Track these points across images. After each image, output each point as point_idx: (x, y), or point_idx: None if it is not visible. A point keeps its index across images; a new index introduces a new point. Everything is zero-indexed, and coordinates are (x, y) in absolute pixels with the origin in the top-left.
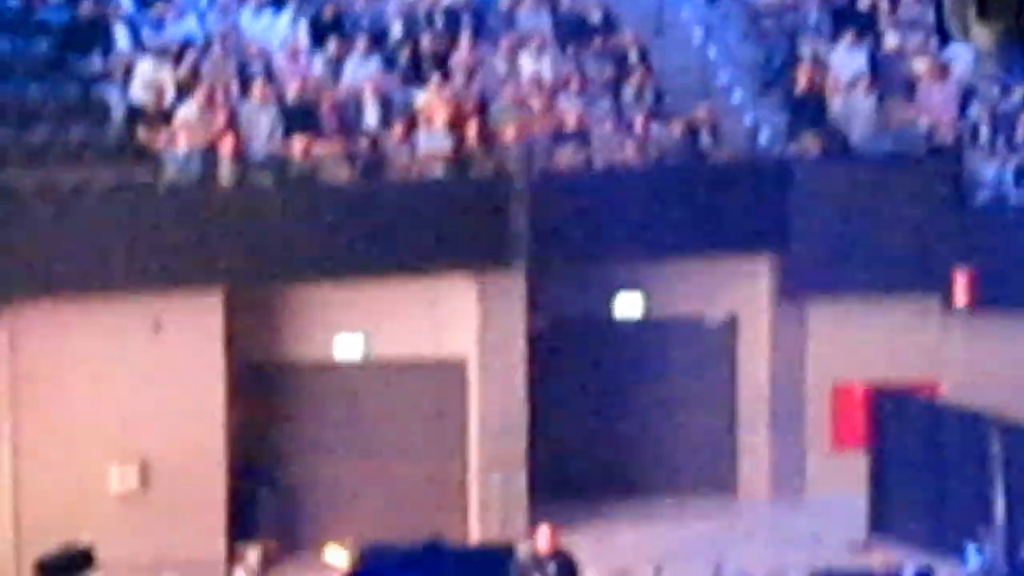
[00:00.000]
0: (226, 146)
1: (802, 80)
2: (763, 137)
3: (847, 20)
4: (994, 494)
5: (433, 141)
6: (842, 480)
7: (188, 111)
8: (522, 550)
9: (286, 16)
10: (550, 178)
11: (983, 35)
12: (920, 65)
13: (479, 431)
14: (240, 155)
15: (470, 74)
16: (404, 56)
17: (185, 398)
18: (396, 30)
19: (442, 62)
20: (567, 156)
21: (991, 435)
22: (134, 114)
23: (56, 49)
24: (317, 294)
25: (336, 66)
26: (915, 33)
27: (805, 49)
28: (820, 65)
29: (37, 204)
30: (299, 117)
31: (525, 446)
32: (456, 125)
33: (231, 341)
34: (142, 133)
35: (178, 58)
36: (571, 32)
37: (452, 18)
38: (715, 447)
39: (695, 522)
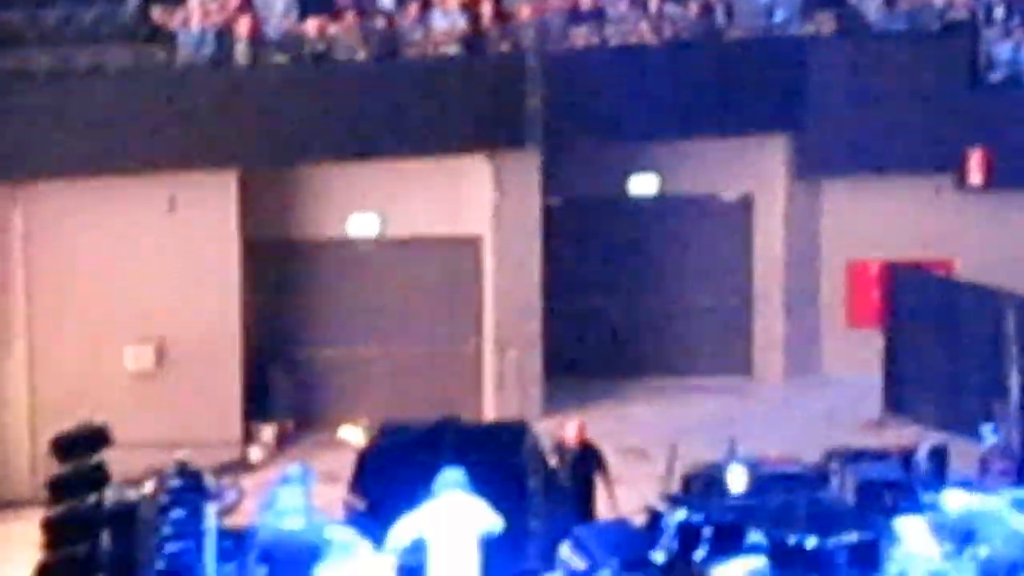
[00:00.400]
0: (241, 26)
1: None
2: (778, 16)
3: None
4: (1009, 372)
5: (448, 20)
6: (857, 359)
7: None
8: (538, 429)
9: None
10: (565, 57)
11: None
12: None
13: (494, 309)
14: (255, 35)
15: None
16: None
17: (200, 278)
18: None
19: None
20: (582, 35)
21: (1006, 312)
22: None
23: None
24: (332, 174)
25: None
26: None
27: None
28: None
29: (51, 85)
30: None
31: (540, 324)
32: (471, 4)
33: (245, 221)
34: (157, 13)
35: None
36: None
37: None
38: (730, 326)
39: (709, 401)
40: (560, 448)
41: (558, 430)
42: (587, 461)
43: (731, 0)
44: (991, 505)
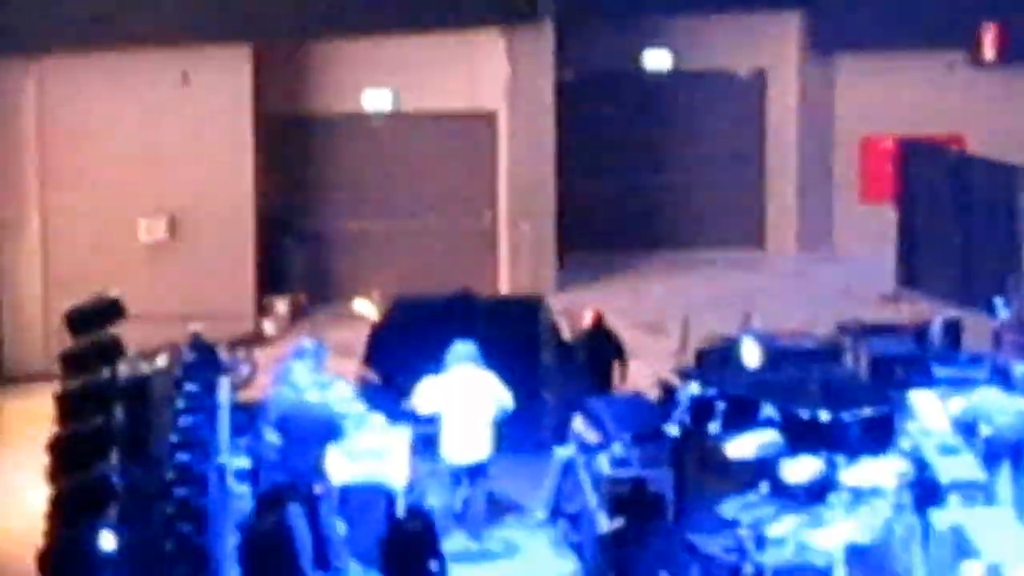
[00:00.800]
0: None
1: None
2: None
3: None
4: (1021, 246)
5: None
6: (870, 234)
7: None
8: (552, 303)
9: None
10: None
11: None
12: None
13: (508, 183)
14: None
15: None
16: None
17: (214, 151)
18: None
19: None
20: None
21: (1018, 187)
22: None
23: None
24: (346, 48)
25: None
26: None
27: None
28: None
29: None
30: None
31: (554, 198)
32: None
33: (260, 95)
34: None
35: None
36: None
37: None
38: (744, 201)
39: (724, 275)
40: (576, 332)
41: (574, 313)
42: (604, 347)
43: None
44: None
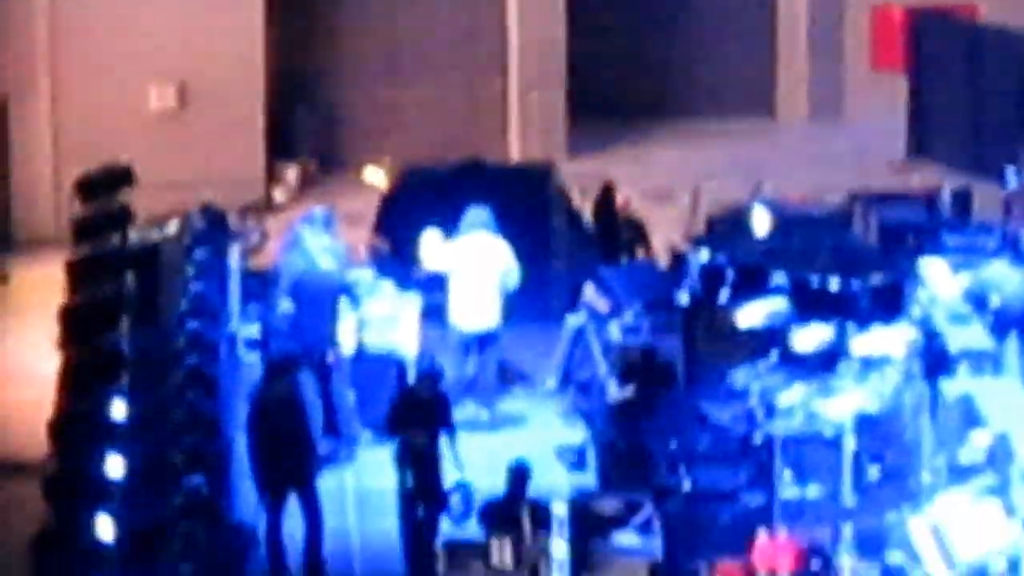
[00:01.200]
0: None
1: None
2: None
3: None
4: None
5: None
6: (881, 102)
7: None
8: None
9: None
10: None
11: None
12: None
13: (518, 50)
14: None
15: None
16: None
17: (223, 17)
18: None
19: None
20: None
21: None
22: None
23: None
24: None
25: None
26: None
27: None
28: None
29: None
30: None
31: (564, 65)
32: None
33: None
34: None
35: None
36: None
37: None
38: (754, 68)
39: (734, 143)
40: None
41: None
42: (614, 220)
43: None
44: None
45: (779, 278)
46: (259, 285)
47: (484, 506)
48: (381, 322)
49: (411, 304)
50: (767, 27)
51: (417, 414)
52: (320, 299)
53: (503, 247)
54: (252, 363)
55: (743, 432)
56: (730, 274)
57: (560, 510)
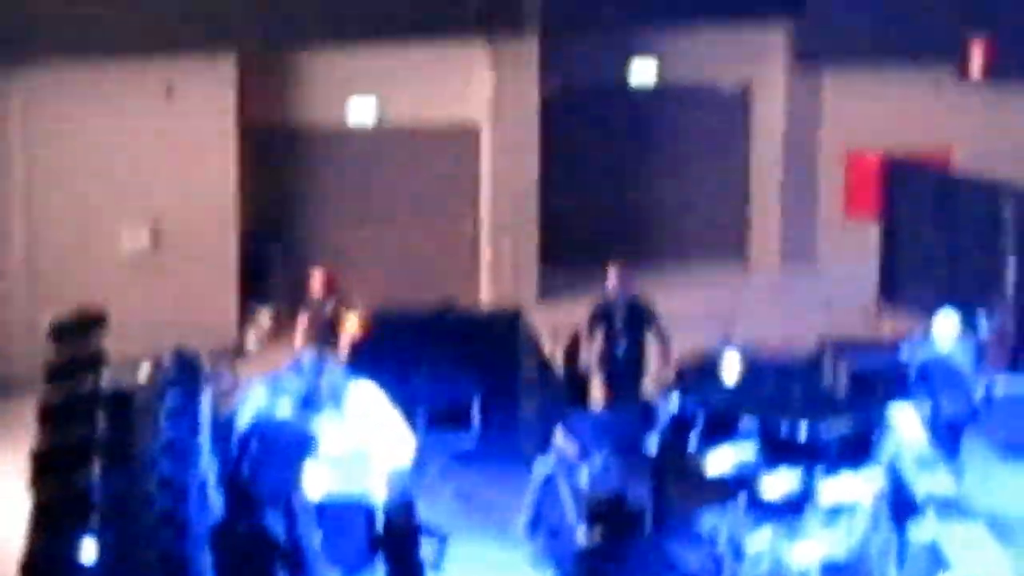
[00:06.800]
0: None
1: None
2: None
3: None
4: (1005, 262)
5: None
6: (854, 249)
7: None
8: (533, 317)
9: None
10: None
11: None
12: None
13: (491, 197)
14: None
15: None
16: None
17: (197, 161)
18: None
19: None
20: None
21: (1003, 203)
22: None
23: None
24: (330, 59)
25: None
26: None
27: None
28: None
29: None
30: None
31: (537, 212)
32: None
33: (243, 105)
34: None
35: None
36: None
37: None
38: (728, 215)
39: (706, 289)
40: (605, 298)
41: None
42: (635, 311)
43: None
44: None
45: (748, 424)
46: (230, 428)
47: None
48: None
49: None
50: (741, 173)
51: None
52: (287, 445)
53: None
54: (220, 504)
55: None
56: (699, 420)
57: None
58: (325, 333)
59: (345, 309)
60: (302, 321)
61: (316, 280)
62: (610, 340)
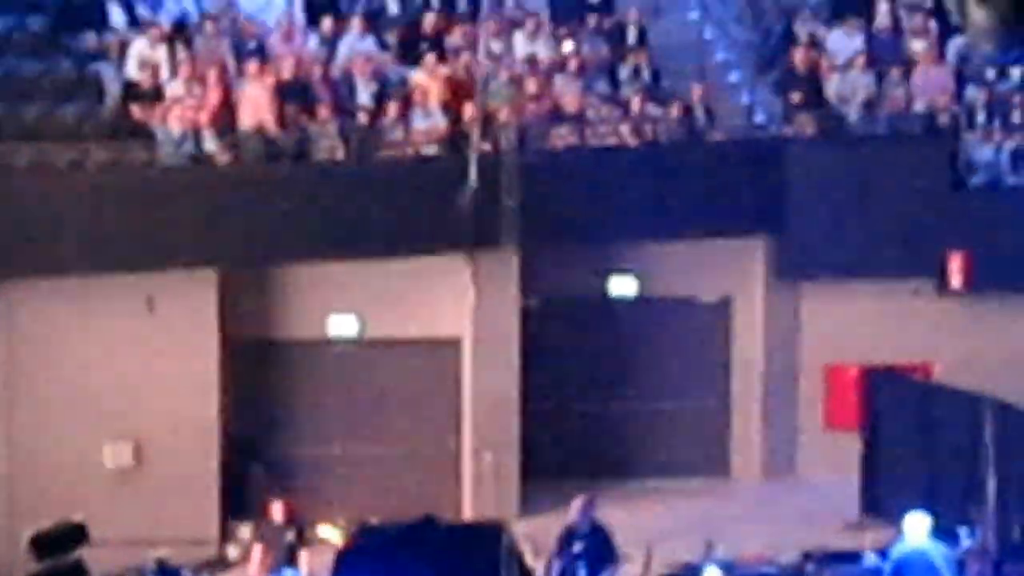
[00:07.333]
0: (220, 124)
1: (798, 60)
2: (759, 117)
3: (844, 1)
4: (986, 476)
5: (428, 120)
6: (835, 461)
7: (181, 89)
8: (515, 528)
9: None
10: (544, 157)
11: (981, 15)
12: (917, 46)
13: (472, 410)
14: (234, 134)
15: (467, 54)
16: (399, 35)
17: (179, 376)
18: (392, 9)
19: (438, 42)
20: (562, 136)
21: (984, 417)
22: (129, 92)
23: (51, 26)
24: (311, 273)
25: (331, 44)
26: (912, 14)
27: (802, 29)
28: (817, 45)
29: (32, 181)
30: (294, 95)
31: (518, 425)
32: (451, 105)
33: (225, 319)
34: (137, 111)
35: (173, 37)
36: (568, 11)
37: None
38: (708, 428)
39: (687, 502)
40: (568, 529)
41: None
42: (596, 540)
43: (712, 101)
44: None
45: None
46: None
47: None
48: None
49: None
50: (721, 386)
51: None
52: None
53: None
54: None
55: None
56: None
57: None
58: (285, 561)
59: (304, 539)
60: (258, 550)
61: (276, 510)
62: (571, 565)
